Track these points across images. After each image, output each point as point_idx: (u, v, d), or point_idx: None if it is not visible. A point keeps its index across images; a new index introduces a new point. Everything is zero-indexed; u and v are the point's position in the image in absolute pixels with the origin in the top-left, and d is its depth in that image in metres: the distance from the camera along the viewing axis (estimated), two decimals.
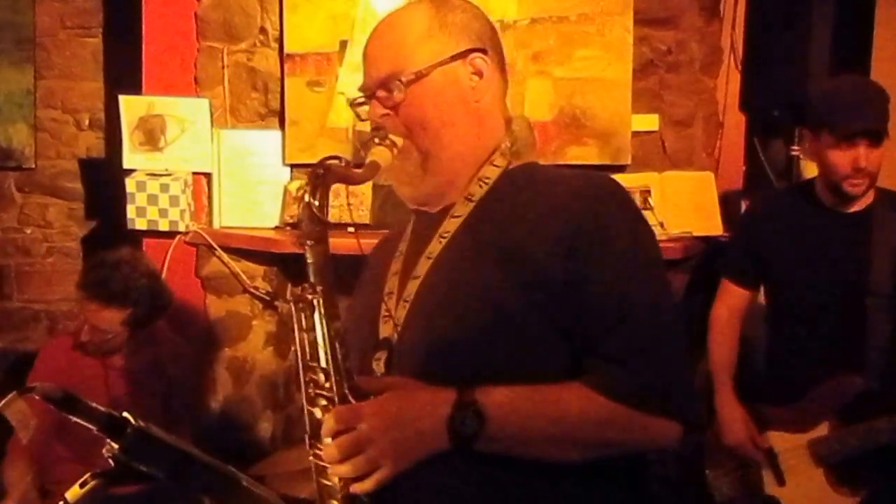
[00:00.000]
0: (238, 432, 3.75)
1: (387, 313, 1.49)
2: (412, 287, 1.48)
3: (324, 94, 3.68)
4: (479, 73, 1.52)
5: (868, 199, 2.68)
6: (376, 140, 1.45)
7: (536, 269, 1.37)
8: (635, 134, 3.52)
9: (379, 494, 1.30)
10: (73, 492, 1.16)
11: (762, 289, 2.94)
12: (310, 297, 1.33)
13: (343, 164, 1.39)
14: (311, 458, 1.33)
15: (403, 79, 1.47)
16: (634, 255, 1.41)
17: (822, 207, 2.72)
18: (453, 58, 1.50)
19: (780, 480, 2.72)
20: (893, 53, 3.23)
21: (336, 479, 1.31)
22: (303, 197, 1.34)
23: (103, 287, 2.88)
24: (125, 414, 1.18)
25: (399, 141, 1.47)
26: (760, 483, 2.78)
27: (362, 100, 1.54)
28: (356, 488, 1.29)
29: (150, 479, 1.18)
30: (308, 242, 1.34)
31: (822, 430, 2.66)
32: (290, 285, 3.71)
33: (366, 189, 3.62)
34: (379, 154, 1.44)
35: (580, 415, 1.33)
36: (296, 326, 1.35)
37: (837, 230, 2.69)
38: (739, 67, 3.51)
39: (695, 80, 3.52)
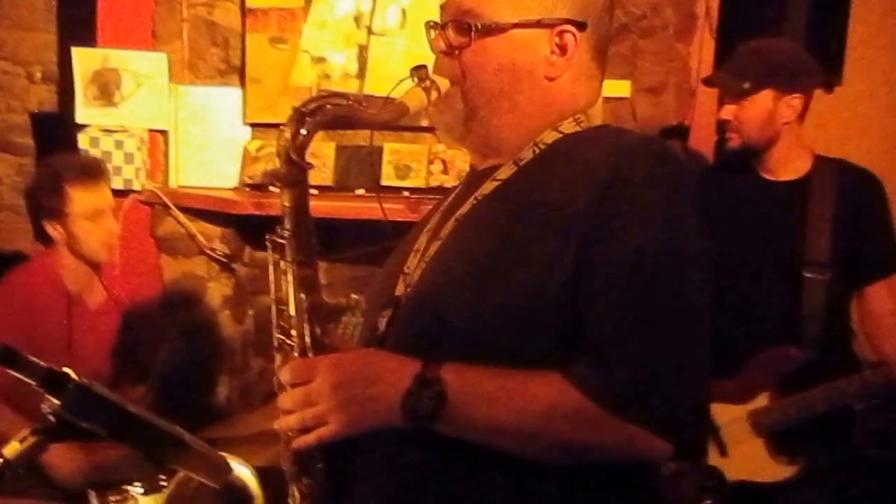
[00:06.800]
0: (193, 396, 3.68)
1: (407, 271, 1.37)
2: (433, 248, 1.35)
3: (287, 52, 3.58)
4: (564, 49, 1.31)
5: (805, 167, 2.66)
6: (415, 79, 1.27)
7: (546, 248, 1.22)
8: (606, 100, 3.45)
9: (334, 468, 1.26)
10: (13, 447, 1.11)
11: None
12: (279, 240, 1.25)
13: (351, 103, 1.24)
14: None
15: (479, 23, 1.29)
16: (659, 240, 1.20)
17: (757, 177, 2.70)
18: (540, 23, 1.30)
19: (723, 451, 2.72)
20: (870, 21, 3.20)
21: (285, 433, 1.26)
22: (282, 133, 1.22)
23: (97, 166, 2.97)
24: (66, 369, 1.13)
25: (444, 83, 1.30)
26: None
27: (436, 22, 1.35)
28: (296, 443, 1.23)
29: (90, 436, 1.14)
30: (281, 184, 1.24)
31: (761, 400, 2.67)
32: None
33: (328, 150, 3.54)
34: (413, 96, 1.27)
35: (549, 409, 1.18)
36: (271, 269, 1.28)
37: (772, 200, 2.67)
38: (713, 35, 3.46)
39: (668, 46, 3.48)
